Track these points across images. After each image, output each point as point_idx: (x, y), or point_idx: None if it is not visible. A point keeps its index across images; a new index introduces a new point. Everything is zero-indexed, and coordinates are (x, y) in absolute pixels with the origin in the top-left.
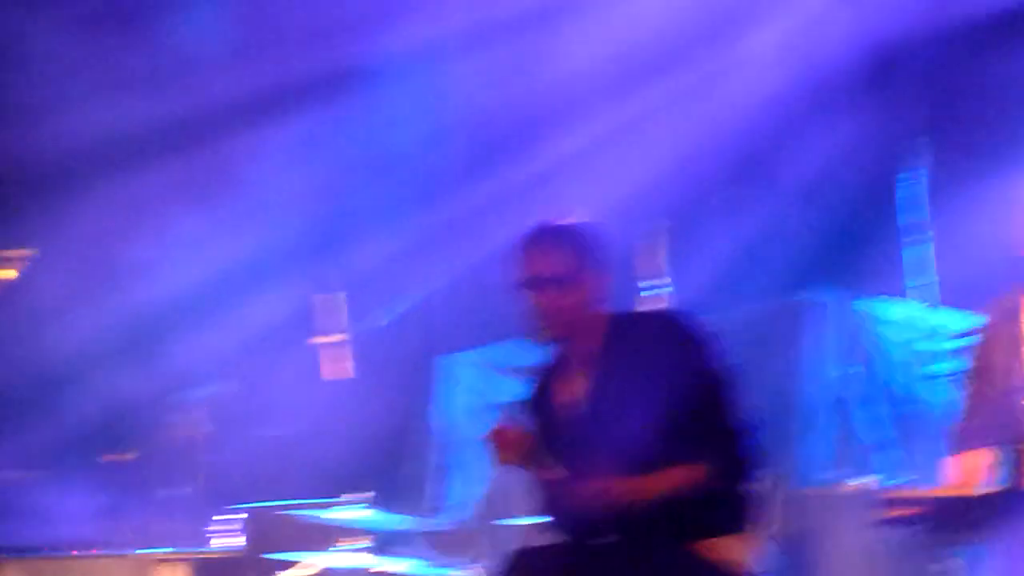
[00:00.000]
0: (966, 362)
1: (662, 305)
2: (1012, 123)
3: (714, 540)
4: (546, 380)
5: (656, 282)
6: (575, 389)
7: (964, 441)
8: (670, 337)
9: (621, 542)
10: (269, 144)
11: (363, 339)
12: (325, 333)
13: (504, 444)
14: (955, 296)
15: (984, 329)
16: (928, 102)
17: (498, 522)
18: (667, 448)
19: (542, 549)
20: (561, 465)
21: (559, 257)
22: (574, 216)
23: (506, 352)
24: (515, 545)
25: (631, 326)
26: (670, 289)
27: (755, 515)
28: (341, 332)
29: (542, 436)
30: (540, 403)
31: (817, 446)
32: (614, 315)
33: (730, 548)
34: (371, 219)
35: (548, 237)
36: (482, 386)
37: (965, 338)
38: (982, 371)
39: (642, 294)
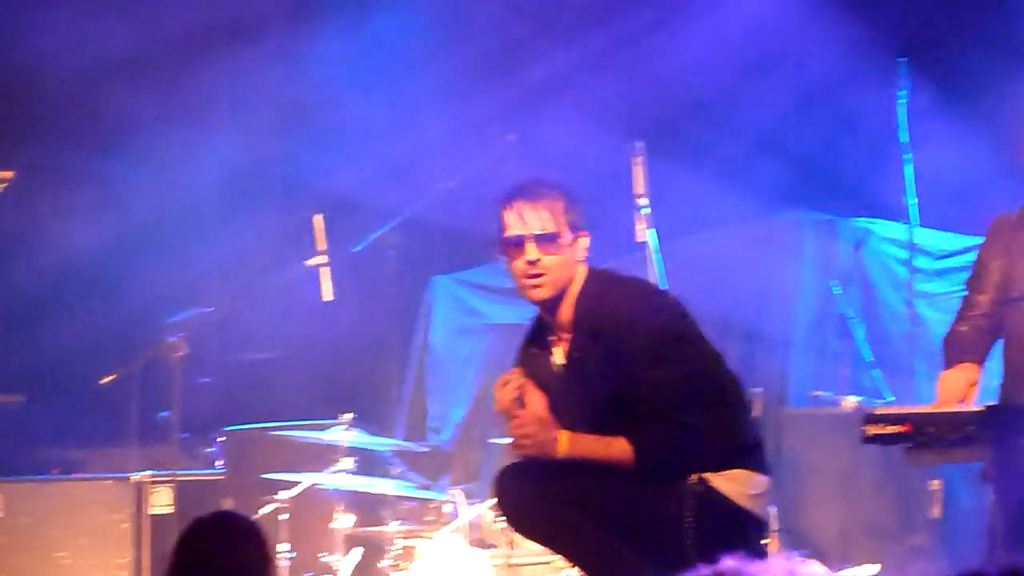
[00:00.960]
0: (954, 282)
1: (645, 232)
2: (987, 46)
3: (718, 472)
4: (528, 342)
5: (638, 203)
6: (552, 356)
7: (953, 354)
8: (638, 313)
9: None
10: (245, 65)
11: (344, 261)
12: (306, 256)
13: (506, 397)
14: (933, 216)
15: (986, 242)
16: (909, 22)
17: (480, 443)
18: (619, 422)
19: (540, 463)
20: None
21: (543, 215)
22: (551, 177)
23: (494, 273)
24: (496, 466)
25: (603, 295)
26: (647, 210)
27: (759, 450)
28: (322, 254)
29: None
30: (538, 355)
31: (812, 364)
32: (589, 279)
33: (732, 481)
34: (351, 140)
35: (531, 196)
36: (471, 307)
37: (954, 257)
38: (978, 281)
39: (640, 211)
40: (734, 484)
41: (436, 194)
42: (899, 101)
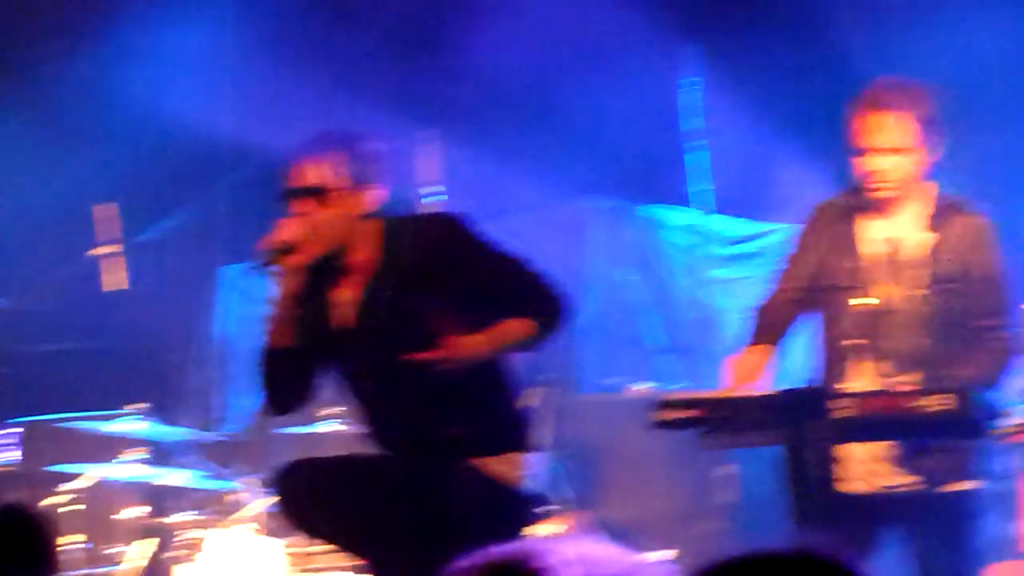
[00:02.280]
0: (746, 267)
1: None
2: (783, 32)
3: (490, 457)
4: (319, 283)
5: (431, 190)
6: (349, 296)
7: (757, 330)
8: (449, 235)
9: (395, 457)
10: (42, 53)
11: (139, 250)
12: (100, 244)
13: (292, 224)
14: (730, 203)
15: (807, 226)
16: (700, 9)
17: (274, 433)
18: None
19: (314, 461)
20: (337, 369)
21: (325, 167)
22: (350, 126)
23: None
24: (290, 456)
25: (407, 231)
26: (444, 197)
27: (530, 432)
28: (116, 243)
29: (311, 336)
30: (312, 305)
31: (599, 352)
32: (389, 222)
33: (506, 464)
34: (144, 130)
35: (312, 150)
36: (261, 296)
37: (745, 243)
38: (797, 257)
39: (423, 200)
40: (509, 466)
41: (225, 184)
42: (693, 88)
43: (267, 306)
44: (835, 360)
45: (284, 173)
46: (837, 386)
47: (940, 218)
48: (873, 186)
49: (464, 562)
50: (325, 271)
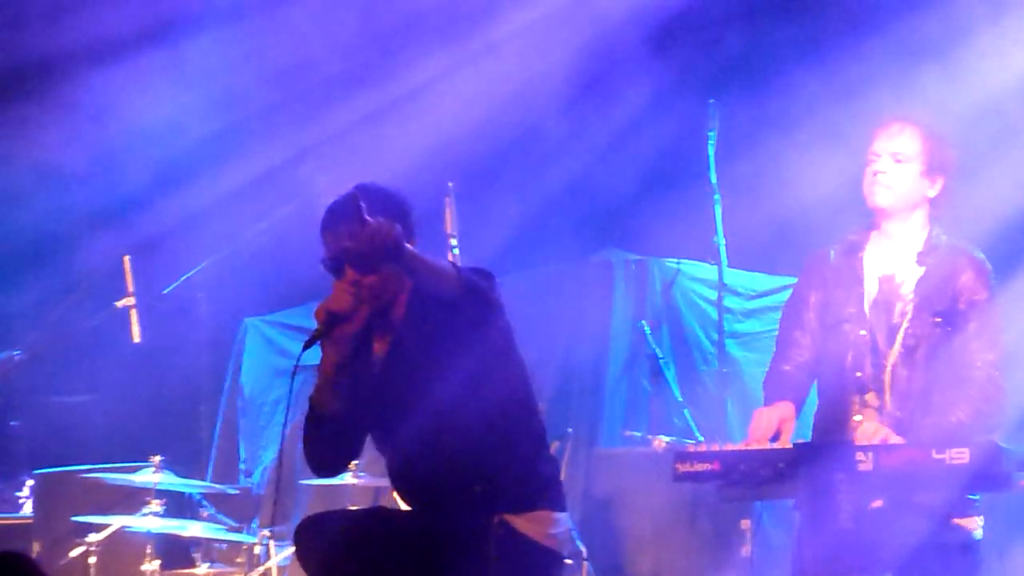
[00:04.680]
0: (765, 321)
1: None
2: (794, 86)
3: (520, 515)
4: (361, 341)
5: (449, 243)
6: (378, 348)
7: (771, 394)
8: (468, 299)
9: (421, 512)
10: (56, 106)
11: (155, 303)
12: (115, 298)
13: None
14: (742, 257)
15: (802, 277)
16: (714, 65)
17: (290, 485)
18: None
19: (335, 514)
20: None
21: (370, 231)
22: (371, 183)
23: (305, 315)
24: (305, 509)
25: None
26: (456, 250)
27: (559, 489)
28: (130, 296)
29: (355, 396)
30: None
31: (624, 404)
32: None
33: (534, 521)
34: (162, 183)
35: (351, 209)
36: (282, 348)
37: (763, 298)
38: (796, 317)
39: (451, 251)
40: (535, 524)
41: (247, 236)
42: (708, 142)
43: (314, 372)
44: (838, 394)
45: (326, 238)
46: (851, 438)
47: (928, 254)
48: (874, 189)
49: None
50: (366, 329)
